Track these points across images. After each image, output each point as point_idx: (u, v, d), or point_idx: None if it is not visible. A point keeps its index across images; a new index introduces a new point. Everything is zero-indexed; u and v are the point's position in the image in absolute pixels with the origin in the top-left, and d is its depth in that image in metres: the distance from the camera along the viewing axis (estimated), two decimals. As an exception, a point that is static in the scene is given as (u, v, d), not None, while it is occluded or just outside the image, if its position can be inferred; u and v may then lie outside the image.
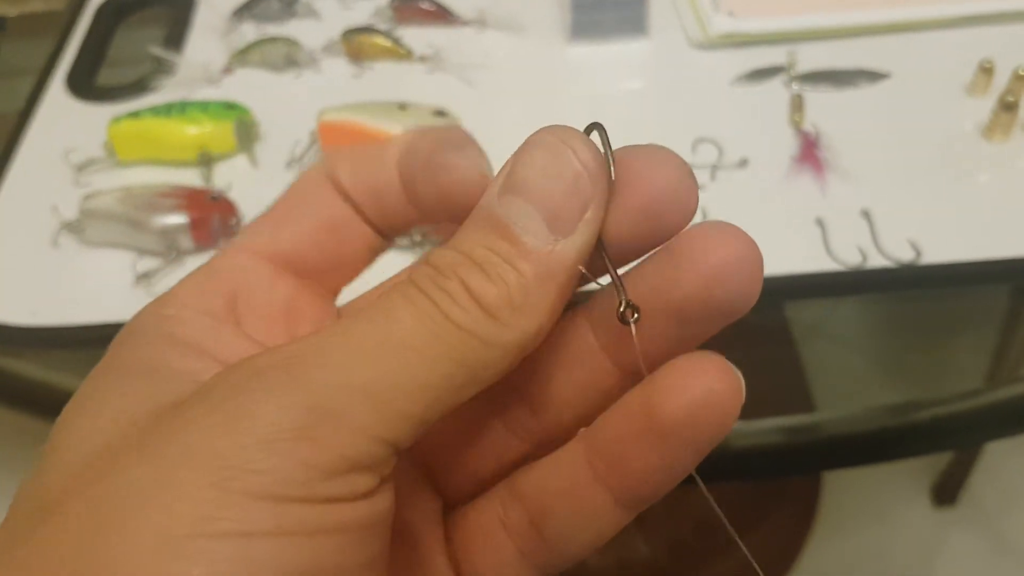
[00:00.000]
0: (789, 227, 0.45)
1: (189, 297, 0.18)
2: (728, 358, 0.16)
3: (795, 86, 0.52)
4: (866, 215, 0.45)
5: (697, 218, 0.45)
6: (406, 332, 0.14)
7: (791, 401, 0.68)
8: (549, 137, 0.15)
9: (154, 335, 0.17)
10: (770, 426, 0.42)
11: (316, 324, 0.19)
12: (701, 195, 0.47)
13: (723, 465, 0.42)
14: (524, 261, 0.15)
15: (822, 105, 0.51)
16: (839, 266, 0.43)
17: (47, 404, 0.43)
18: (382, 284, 0.20)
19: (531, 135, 0.16)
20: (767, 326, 0.54)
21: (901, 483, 1.08)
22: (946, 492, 1.05)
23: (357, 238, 0.19)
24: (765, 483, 1.01)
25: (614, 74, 0.56)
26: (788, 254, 0.44)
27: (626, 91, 0.55)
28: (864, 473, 1.09)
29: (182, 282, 0.19)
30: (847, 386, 0.95)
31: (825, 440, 0.42)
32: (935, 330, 0.60)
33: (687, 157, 0.50)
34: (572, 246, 0.15)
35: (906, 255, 0.43)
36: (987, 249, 0.43)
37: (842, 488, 1.07)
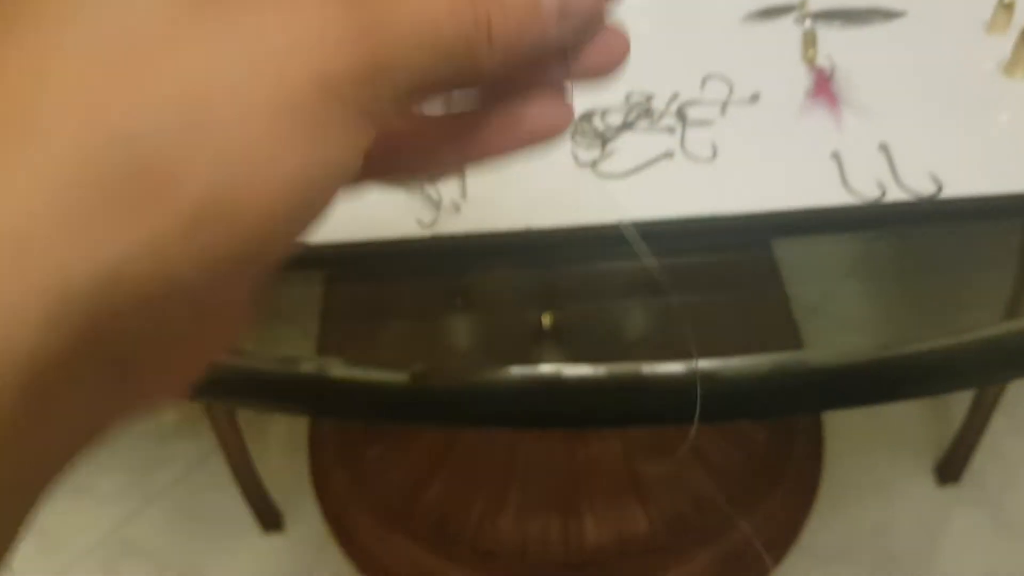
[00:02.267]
0: (804, 162, 0.43)
1: None
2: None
3: (808, 23, 0.50)
4: (884, 149, 0.43)
5: (707, 153, 0.42)
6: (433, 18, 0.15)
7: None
8: None
9: None
10: (761, 362, 0.40)
11: None
12: (710, 130, 0.45)
13: (717, 404, 0.40)
14: (531, 22, 0.16)
15: (836, 41, 0.49)
16: (857, 199, 0.41)
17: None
18: None
19: None
20: (758, 267, 0.51)
21: (904, 461, 1.06)
22: (950, 470, 1.03)
23: None
24: (766, 459, 0.99)
25: (623, 11, 0.54)
26: (803, 188, 0.42)
27: (634, 29, 0.53)
28: (867, 450, 1.07)
29: None
30: (852, 327, 0.93)
31: (818, 374, 0.40)
32: (944, 272, 0.57)
33: (695, 93, 0.48)
34: (558, 34, 0.17)
35: (927, 188, 0.41)
36: (1010, 183, 0.41)
37: (844, 465, 1.05)
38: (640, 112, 0.46)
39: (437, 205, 0.43)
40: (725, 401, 0.40)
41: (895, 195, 0.41)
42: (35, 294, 0.12)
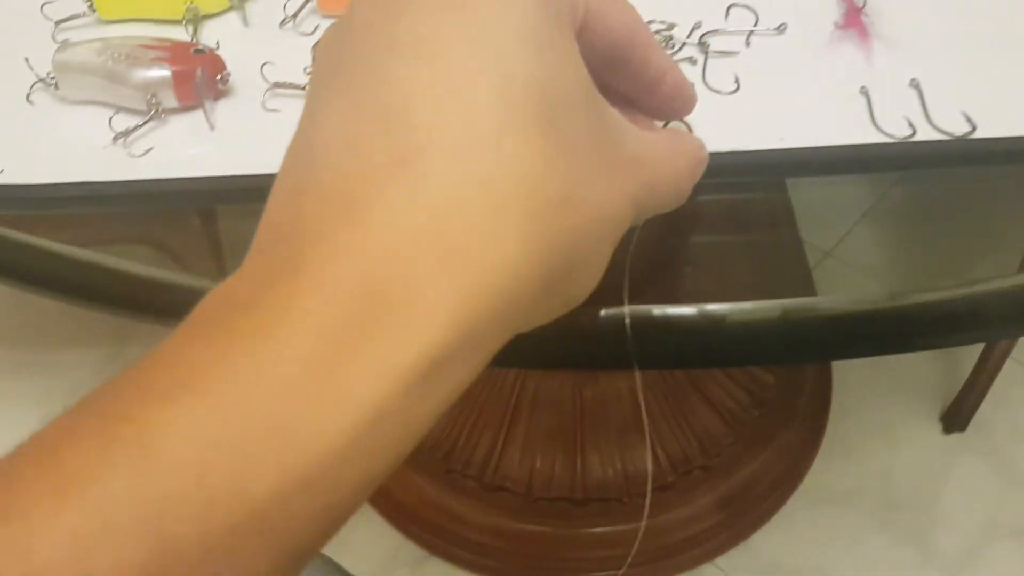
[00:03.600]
0: (831, 97, 0.41)
1: None
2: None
3: (841, -50, 0.47)
4: (916, 86, 0.41)
5: (729, 86, 0.40)
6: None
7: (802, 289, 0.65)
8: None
9: None
10: (770, 307, 0.39)
11: None
12: (733, 62, 0.43)
13: (726, 348, 0.39)
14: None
15: (870, -30, 0.46)
16: (886, 138, 0.39)
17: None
18: None
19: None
20: (773, 210, 0.50)
21: (911, 408, 1.05)
22: (956, 419, 1.02)
23: None
24: (774, 402, 0.99)
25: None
26: (829, 125, 0.40)
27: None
28: (874, 396, 1.06)
29: None
30: (867, 274, 0.91)
31: (829, 321, 0.39)
32: (964, 219, 0.56)
33: (719, 23, 0.46)
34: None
35: (959, 128, 0.39)
36: (1049, 125, 0.39)
37: (850, 411, 1.05)
38: (661, 41, 0.44)
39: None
40: (734, 346, 0.39)
41: (926, 134, 0.39)
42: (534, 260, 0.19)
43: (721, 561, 1.01)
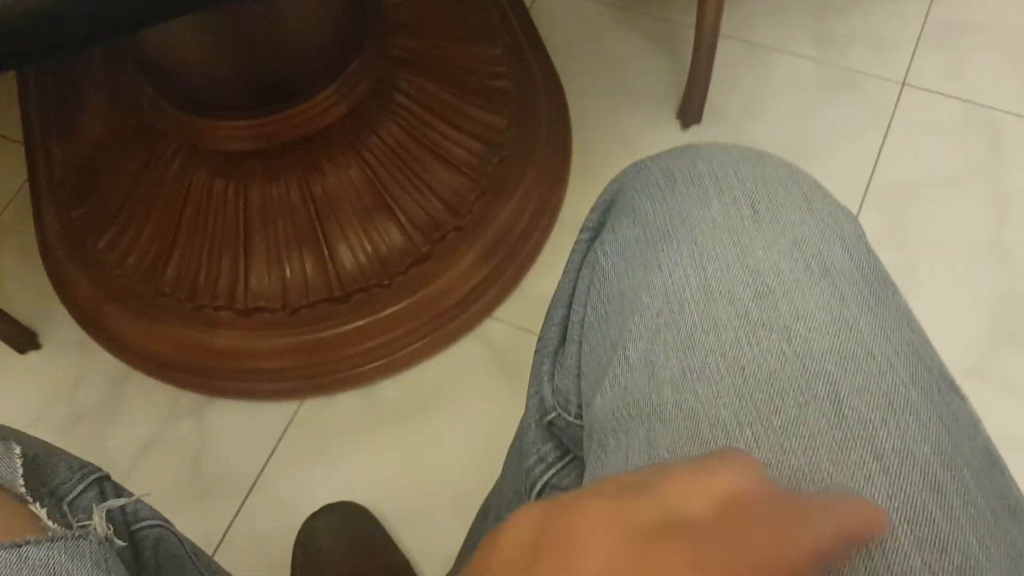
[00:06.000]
0: None
1: None
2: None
3: None
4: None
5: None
6: None
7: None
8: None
9: None
10: None
11: None
12: None
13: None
14: None
15: None
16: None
17: None
18: None
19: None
20: None
21: (648, 114, 1.03)
22: (690, 112, 1.00)
23: None
24: (513, 145, 0.95)
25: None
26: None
27: None
28: (611, 115, 1.04)
29: None
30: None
31: None
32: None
33: None
34: None
35: None
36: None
37: (591, 135, 1.03)
38: None
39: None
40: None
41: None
42: None
43: (499, 312, 0.90)
